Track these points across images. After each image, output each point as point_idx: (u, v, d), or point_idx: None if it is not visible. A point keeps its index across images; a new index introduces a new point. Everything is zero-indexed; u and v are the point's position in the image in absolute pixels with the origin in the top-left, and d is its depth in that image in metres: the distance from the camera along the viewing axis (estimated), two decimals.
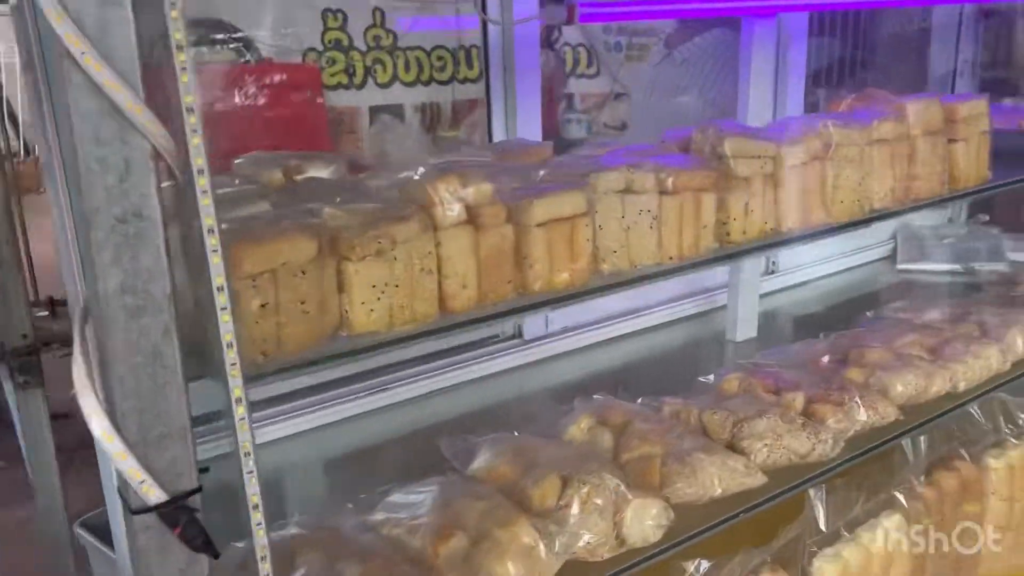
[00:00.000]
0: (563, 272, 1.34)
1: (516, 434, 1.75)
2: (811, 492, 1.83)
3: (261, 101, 4.31)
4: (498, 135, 2.30)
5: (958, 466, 2.13)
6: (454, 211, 1.23)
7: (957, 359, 2.03)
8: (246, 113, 4.29)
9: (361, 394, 2.09)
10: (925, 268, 3.03)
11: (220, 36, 4.00)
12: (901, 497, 1.96)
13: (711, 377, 2.00)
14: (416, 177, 1.24)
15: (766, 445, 1.67)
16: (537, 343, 2.41)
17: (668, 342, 2.53)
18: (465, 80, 6.77)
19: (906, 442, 2.01)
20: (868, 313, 2.43)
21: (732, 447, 1.70)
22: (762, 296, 2.84)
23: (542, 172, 1.47)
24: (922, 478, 2.01)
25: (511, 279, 1.31)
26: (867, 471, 1.91)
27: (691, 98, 2.88)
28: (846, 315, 2.51)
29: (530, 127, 2.28)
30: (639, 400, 1.89)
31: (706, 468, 1.59)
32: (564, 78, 5.40)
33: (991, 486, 2.22)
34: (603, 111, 3.82)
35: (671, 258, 1.48)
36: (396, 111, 5.46)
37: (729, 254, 1.54)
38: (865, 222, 1.75)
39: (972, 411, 2.18)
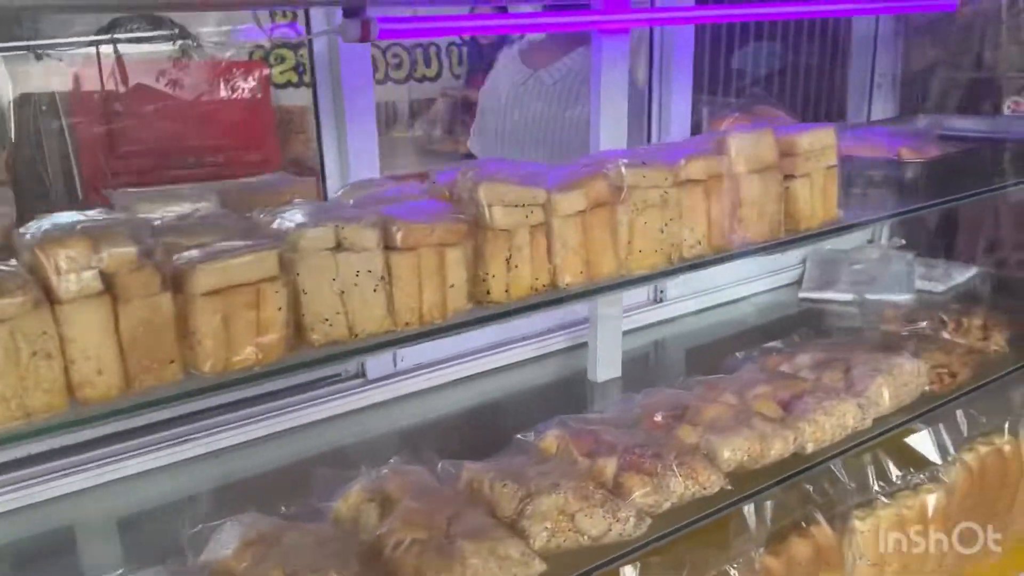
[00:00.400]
0: (246, 348, 1.11)
1: (284, 509, 1.53)
2: (625, 571, 1.60)
3: (201, 100, 4.07)
4: (330, 163, 2.06)
5: (813, 532, 1.89)
6: (78, 282, 1.00)
7: (806, 417, 1.79)
8: (184, 113, 4.05)
9: (160, 445, 1.87)
10: (826, 297, 2.78)
11: (158, 32, 3.74)
12: (735, 573, 1.73)
13: (531, 434, 1.77)
14: (28, 239, 1.01)
15: (546, 528, 1.44)
16: (383, 382, 2.18)
17: (529, 381, 2.30)
18: (423, 79, 6.46)
19: (747, 509, 1.78)
20: (738, 354, 2.19)
21: (515, 527, 1.47)
22: (648, 327, 2.62)
23: (261, 217, 1.25)
24: (761, 549, 1.77)
25: (174, 358, 1.08)
26: (694, 545, 1.68)
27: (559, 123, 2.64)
28: (731, 350, 2.28)
29: (364, 152, 2.04)
30: (440, 465, 1.66)
31: (467, 559, 1.36)
32: None
33: (858, 550, 1.98)
34: None
35: (408, 324, 1.25)
36: None
37: (486, 316, 1.31)
38: (669, 273, 1.51)
39: (834, 470, 1.94)
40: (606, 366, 2.23)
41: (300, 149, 5.55)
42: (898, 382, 1.94)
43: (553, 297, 1.37)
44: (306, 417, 2.07)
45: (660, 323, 2.67)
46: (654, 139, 2.56)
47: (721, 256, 1.56)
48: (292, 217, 1.21)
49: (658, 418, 1.81)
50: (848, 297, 2.70)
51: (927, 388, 2.01)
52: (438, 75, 5.82)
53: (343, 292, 1.18)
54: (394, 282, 1.22)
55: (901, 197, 1.94)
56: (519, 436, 1.76)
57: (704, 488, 1.61)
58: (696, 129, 2.55)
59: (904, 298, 2.68)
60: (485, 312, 1.30)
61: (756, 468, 1.71)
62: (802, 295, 2.81)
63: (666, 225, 1.48)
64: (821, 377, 1.98)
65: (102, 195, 3.33)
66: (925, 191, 1.94)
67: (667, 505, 1.58)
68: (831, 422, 1.80)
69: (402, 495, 1.49)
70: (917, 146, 2.11)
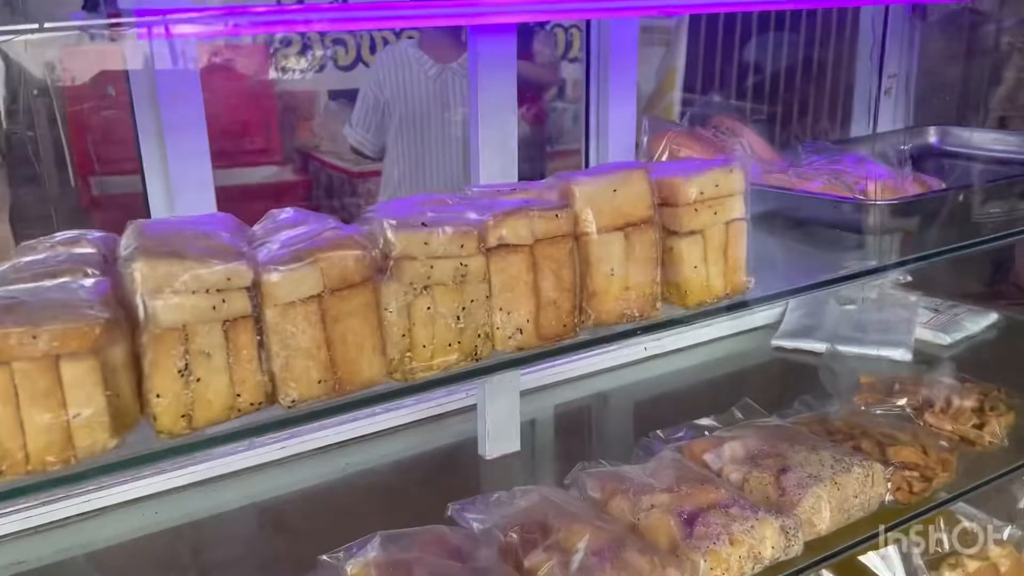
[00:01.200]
0: None
1: None
2: None
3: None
4: (154, 187, 1.64)
5: None
6: None
7: (704, 548, 1.31)
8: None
9: None
10: (801, 347, 2.27)
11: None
12: None
13: (341, 553, 1.34)
14: None
15: None
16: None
17: (406, 451, 1.84)
18: None
19: None
20: (659, 432, 1.72)
21: None
22: (585, 376, 2.16)
23: None
24: None
25: None
26: None
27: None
28: (669, 415, 1.83)
29: (190, 174, 1.62)
30: None
31: None
32: (557, 63, 4.76)
33: None
34: None
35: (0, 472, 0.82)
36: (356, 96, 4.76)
37: (135, 459, 0.87)
38: (472, 375, 1.05)
39: None
40: (498, 439, 1.78)
41: (306, 137, 5.18)
42: (845, 493, 1.45)
43: (265, 422, 0.93)
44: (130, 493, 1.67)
45: (601, 372, 2.20)
46: (592, 159, 2.09)
47: (556, 348, 1.09)
48: None
49: (513, 537, 1.36)
50: (823, 348, 2.19)
51: (888, 499, 1.51)
52: None
53: None
54: None
55: (858, 251, 1.44)
56: (325, 557, 1.33)
57: None
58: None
59: (895, 354, 2.15)
60: (137, 452, 0.86)
61: None
62: (775, 342, 2.30)
63: (464, 309, 1.02)
64: (747, 479, 1.50)
65: None
66: (892, 243, 1.44)
67: None
68: (739, 553, 1.32)
69: None
70: (894, 179, 1.59)
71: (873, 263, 1.39)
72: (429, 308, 1.00)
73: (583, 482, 1.53)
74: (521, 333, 1.06)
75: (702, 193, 1.16)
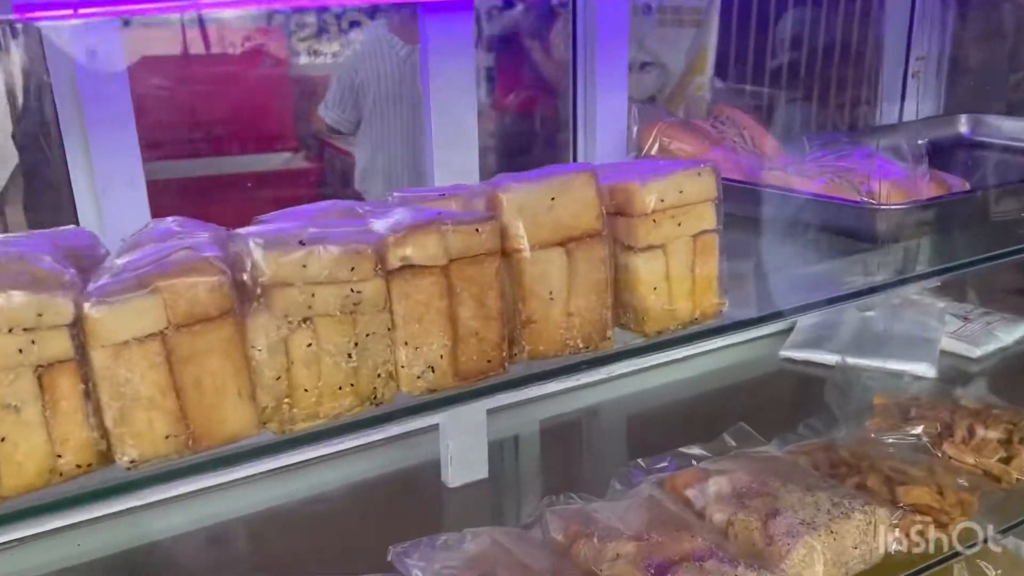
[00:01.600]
0: None
1: None
2: None
3: (205, 71, 3.60)
4: (80, 192, 1.47)
5: None
6: None
7: None
8: (183, 87, 3.59)
9: None
10: (812, 359, 2.05)
11: None
12: None
13: None
14: None
15: None
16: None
17: (362, 474, 1.68)
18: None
19: None
20: (641, 461, 1.53)
21: None
22: (580, 388, 1.97)
23: None
24: None
25: None
26: None
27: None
28: (662, 437, 1.65)
29: (118, 177, 1.45)
30: None
31: None
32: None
33: None
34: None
35: None
36: None
37: None
38: (371, 423, 0.87)
39: None
40: (463, 466, 1.60)
41: (320, 123, 5.02)
42: (843, 544, 1.24)
43: (97, 488, 0.75)
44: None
45: (596, 384, 2.01)
46: (580, 154, 1.89)
47: (479, 388, 0.91)
48: None
49: None
50: (835, 360, 1.96)
51: (895, 549, 1.30)
52: None
53: None
54: None
55: (860, 263, 1.23)
56: None
57: None
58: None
59: (918, 369, 1.93)
60: None
61: None
62: (784, 353, 2.09)
63: (357, 345, 0.83)
64: (732, 522, 1.31)
65: None
66: (901, 254, 1.23)
67: None
68: None
69: None
70: (907, 179, 1.37)
71: (880, 278, 1.18)
72: (311, 345, 0.81)
73: (546, 521, 1.35)
74: (433, 371, 0.87)
75: (663, 200, 0.96)
